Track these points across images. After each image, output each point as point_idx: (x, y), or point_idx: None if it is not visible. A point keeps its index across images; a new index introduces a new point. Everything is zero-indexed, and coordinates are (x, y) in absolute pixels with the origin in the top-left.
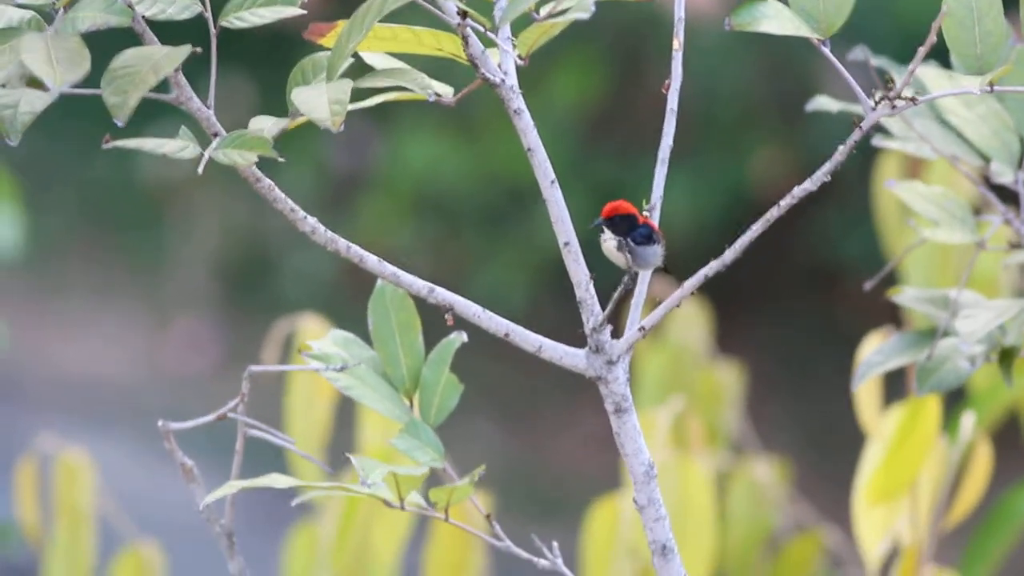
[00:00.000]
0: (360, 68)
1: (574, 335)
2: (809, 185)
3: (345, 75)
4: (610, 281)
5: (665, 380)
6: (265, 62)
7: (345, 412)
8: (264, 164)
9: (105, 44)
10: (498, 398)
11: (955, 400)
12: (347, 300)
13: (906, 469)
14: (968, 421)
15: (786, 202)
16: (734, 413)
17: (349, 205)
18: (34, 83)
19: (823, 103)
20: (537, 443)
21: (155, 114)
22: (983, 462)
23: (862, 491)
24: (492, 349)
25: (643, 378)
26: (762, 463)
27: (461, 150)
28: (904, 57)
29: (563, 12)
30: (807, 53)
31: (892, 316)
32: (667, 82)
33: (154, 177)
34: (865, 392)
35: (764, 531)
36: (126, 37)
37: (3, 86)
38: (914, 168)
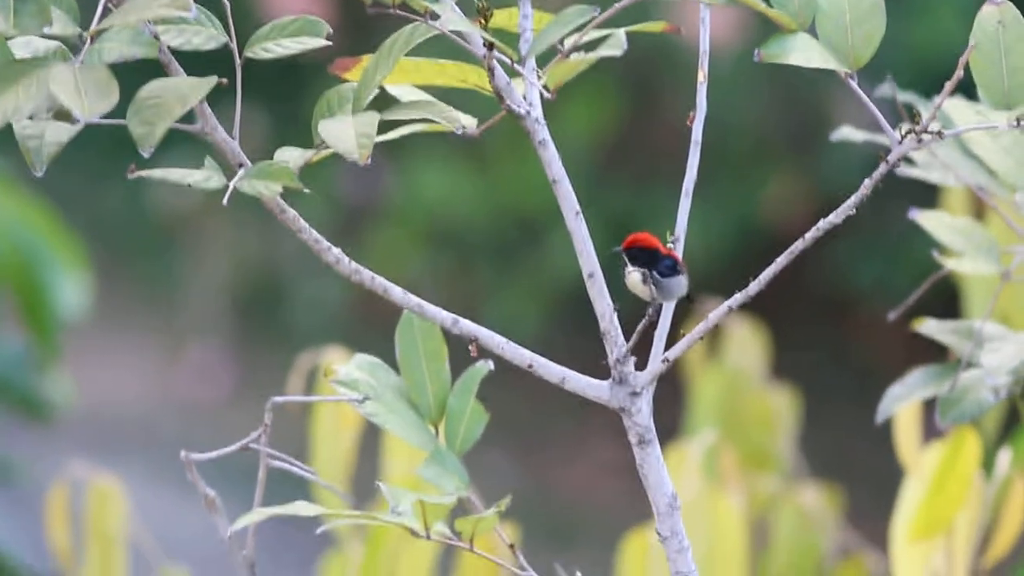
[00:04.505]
0: (381, 100)
1: (588, 365)
2: (835, 218)
3: (368, 107)
4: (633, 313)
5: (720, 403)
6: (277, 93)
7: (370, 442)
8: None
9: (123, 75)
10: (509, 428)
11: (1010, 430)
12: (359, 329)
13: (947, 506)
14: (1004, 457)
15: (811, 235)
16: (786, 438)
17: (360, 236)
18: (61, 115)
19: (847, 133)
20: (549, 473)
21: (169, 143)
22: (1020, 499)
23: (902, 527)
24: (501, 379)
25: (698, 400)
26: (811, 489)
27: (473, 181)
28: (919, 87)
29: (593, 46)
30: (821, 85)
31: (905, 346)
32: (692, 114)
33: (166, 207)
34: (903, 426)
35: (813, 557)
36: (145, 68)
37: (30, 117)
38: (979, 206)
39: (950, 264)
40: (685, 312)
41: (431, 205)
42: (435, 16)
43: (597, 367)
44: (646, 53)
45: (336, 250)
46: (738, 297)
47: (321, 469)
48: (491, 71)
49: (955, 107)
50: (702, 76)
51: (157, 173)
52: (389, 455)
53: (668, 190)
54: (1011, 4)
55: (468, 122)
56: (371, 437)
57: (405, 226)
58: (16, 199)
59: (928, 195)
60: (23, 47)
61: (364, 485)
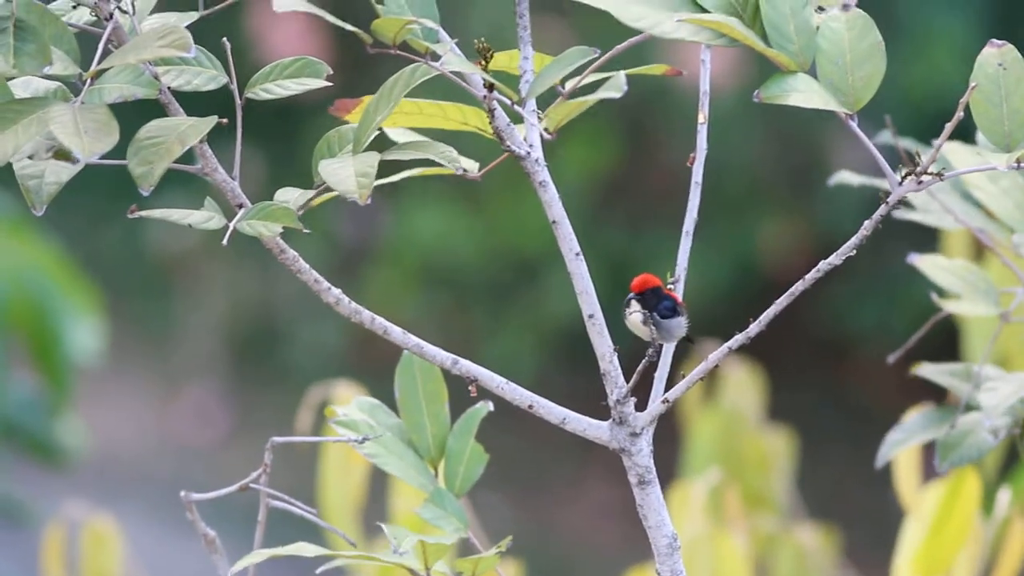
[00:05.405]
0: (381, 143)
1: (584, 406)
2: (835, 259)
3: (368, 148)
4: (632, 353)
5: (717, 445)
6: (273, 134)
7: (380, 479)
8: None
9: (124, 115)
10: (505, 470)
11: (1010, 469)
12: (356, 371)
13: (948, 546)
14: (1004, 497)
15: (812, 275)
16: (783, 479)
17: (356, 276)
18: (61, 155)
19: (845, 178)
20: (545, 514)
21: (168, 184)
22: (1020, 539)
23: (903, 567)
24: (500, 421)
25: (695, 442)
26: (809, 529)
27: (469, 222)
28: (915, 128)
29: (593, 88)
30: (817, 126)
31: (903, 388)
32: (692, 155)
33: (162, 248)
34: (903, 466)
35: None
36: (145, 108)
37: (30, 157)
38: (979, 248)
39: (948, 307)
40: (684, 353)
41: (427, 245)
42: (436, 57)
43: (594, 408)
44: (642, 95)
45: (336, 291)
46: (738, 338)
47: (330, 506)
48: (491, 112)
49: (954, 150)
50: (702, 117)
51: (157, 213)
52: (397, 493)
53: (664, 231)
54: (1012, 46)
55: (469, 165)
56: (382, 473)
57: (401, 266)
58: (30, 244)
59: (927, 237)
60: (23, 87)
61: (377, 519)
